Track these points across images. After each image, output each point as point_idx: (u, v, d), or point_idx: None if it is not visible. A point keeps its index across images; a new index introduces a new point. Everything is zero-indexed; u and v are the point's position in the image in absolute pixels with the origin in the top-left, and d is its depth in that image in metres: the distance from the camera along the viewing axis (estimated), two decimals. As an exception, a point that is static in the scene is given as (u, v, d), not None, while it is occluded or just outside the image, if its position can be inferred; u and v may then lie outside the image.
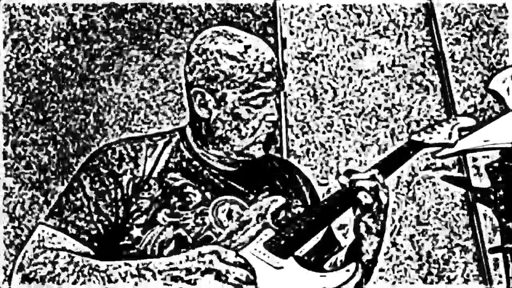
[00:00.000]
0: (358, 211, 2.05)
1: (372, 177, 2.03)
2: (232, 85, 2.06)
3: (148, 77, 3.57)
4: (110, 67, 3.56)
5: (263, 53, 2.08)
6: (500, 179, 2.75)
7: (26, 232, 3.35)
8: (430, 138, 2.25)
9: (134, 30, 3.59)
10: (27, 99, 3.50)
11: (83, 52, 3.56)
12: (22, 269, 1.98)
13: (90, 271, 1.93)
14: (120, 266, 1.93)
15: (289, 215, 2.13)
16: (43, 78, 3.53)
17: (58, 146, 3.48)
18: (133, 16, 3.61)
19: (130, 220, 2.03)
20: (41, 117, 3.49)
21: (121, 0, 3.60)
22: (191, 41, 2.17)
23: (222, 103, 2.08)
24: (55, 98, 3.52)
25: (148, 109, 3.55)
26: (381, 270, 3.43)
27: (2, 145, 3.44)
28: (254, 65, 2.06)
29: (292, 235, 1.99)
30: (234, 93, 2.06)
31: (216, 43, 2.09)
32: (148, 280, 1.89)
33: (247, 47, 2.08)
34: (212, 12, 3.62)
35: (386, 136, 3.58)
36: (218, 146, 2.11)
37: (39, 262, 1.97)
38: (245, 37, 2.10)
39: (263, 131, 2.09)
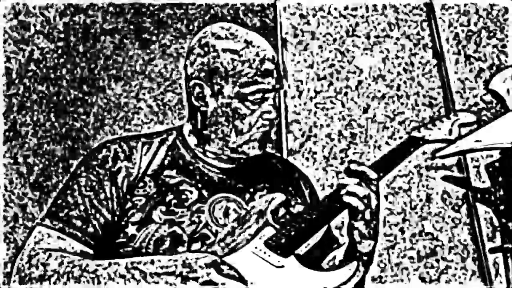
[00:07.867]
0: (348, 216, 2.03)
1: (365, 182, 2.01)
2: (231, 78, 2.07)
3: (148, 77, 3.58)
4: (110, 67, 3.56)
5: (263, 50, 2.09)
6: (500, 179, 2.75)
7: (25, 233, 3.35)
8: (430, 135, 2.24)
9: (134, 30, 3.60)
10: (26, 99, 3.50)
11: (83, 52, 3.56)
12: (19, 272, 1.98)
13: (80, 272, 1.92)
14: (110, 265, 1.92)
15: (289, 213, 2.12)
16: (42, 78, 3.53)
17: (58, 146, 3.48)
18: (133, 16, 3.61)
19: (126, 218, 2.03)
20: (41, 117, 3.49)
21: (121, 0, 3.60)
22: (194, 36, 2.18)
23: (220, 96, 2.08)
24: (55, 98, 3.52)
25: (148, 109, 3.55)
26: (382, 272, 3.43)
27: (2, 145, 3.43)
28: (254, 60, 2.07)
29: (293, 233, 1.99)
30: (233, 86, 2.07)
31: (218, 37, 2.10)
32: (138, 281, 1.88)
33: (248, 43, 2.09)
34: (212, 12, 3.63)
35: (388, 139, 3.59)
36: (214, 142, 2.11)
37: (33, 264, 1.96)
38: (247, 33, 2.11)
39: (259, 128, 2.09)
